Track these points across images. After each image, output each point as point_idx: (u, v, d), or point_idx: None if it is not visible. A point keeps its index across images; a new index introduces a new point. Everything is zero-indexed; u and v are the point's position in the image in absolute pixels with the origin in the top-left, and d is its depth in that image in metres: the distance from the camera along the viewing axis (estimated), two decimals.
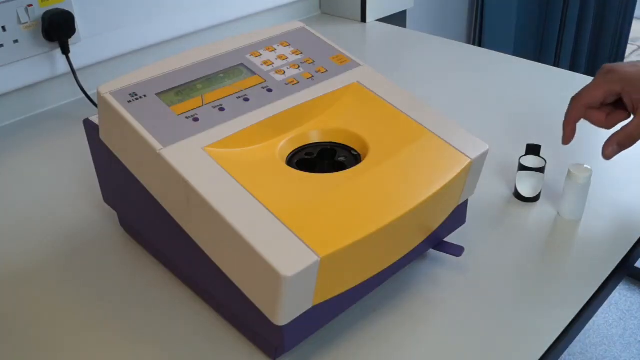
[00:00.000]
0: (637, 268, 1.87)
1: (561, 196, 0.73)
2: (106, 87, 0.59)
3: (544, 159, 0.75)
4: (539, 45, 2.04)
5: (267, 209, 0.51)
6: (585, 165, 0.71)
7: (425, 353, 0.57)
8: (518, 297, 0.63)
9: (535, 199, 0.76)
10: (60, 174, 0.85)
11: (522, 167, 0.74)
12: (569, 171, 0.70)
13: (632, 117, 0.67)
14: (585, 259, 0.68)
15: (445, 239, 0.66)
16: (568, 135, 0.70)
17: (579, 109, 0.69)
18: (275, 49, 0.68)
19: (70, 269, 0.68)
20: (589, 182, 0.70)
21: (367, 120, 0.63)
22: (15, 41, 0.94)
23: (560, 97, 0.98)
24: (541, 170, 0.74)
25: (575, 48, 2.05)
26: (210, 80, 0.62)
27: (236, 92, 0.62)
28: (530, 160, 0.75)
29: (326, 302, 0.53)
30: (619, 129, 0.68)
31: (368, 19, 1.36)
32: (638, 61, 0.68)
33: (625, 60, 2.22)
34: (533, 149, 0.76)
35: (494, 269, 0.67)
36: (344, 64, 0.68)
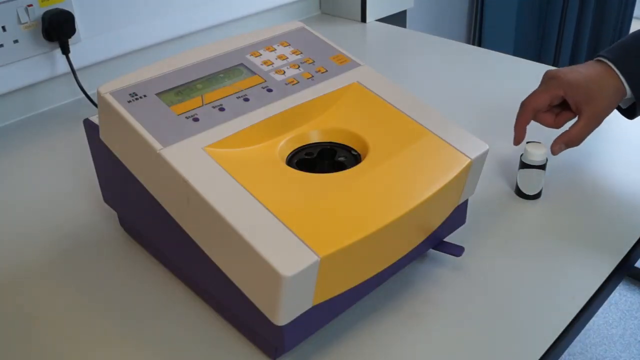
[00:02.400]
0: (637, 268, 1.87)
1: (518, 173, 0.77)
2: (106, 87, 0.59)
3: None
4: (539, 45, 2.04)
5: (267, 209, 0.51)
6: (540, 142, 0.75)
7: (425, 353, 0.57)
8: (518, 297, 0.63)
9: (536, 196, 0.76)
10: (60, 174, 0.85)
11: (523, 165, 0.75)
12: (525, 149, 0.74)
13: (576, 118, 0.74)
14: (586, 259, 0.68)
15: (445, 239, 0.66)
16: (518, 137, 0.76)
17: (528, 113, 0.75)
18: (275, 49, 0.68)
19: (70, 269, 0.68)
20: (545, 160, 0.74)
21: (367, 120, 0.63)
22: (15, 41, 0.94)
23: None
24: (542, 167, 0.74)
25: (574, 48, 2.05)
26: (210, 80, 0.62)
27: (236, 92, 0.62)
28: (532, 157, 0.75)
29: (326, 302, 0.53)
30: (566, 128, 0.74)
31: (368, 19, 1.36)
32: (577, 65, 0.75)
33: None
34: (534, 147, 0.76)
35: (494, 269, 0.67)
36: (344, 64, 0.68)
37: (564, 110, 0.75)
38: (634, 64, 0.72)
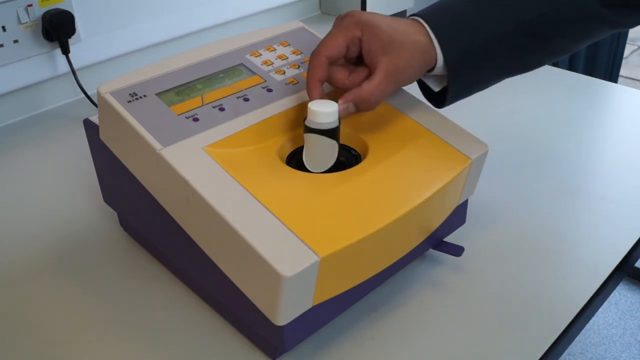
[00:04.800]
0: (637, 268, 1.87)
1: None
2: (106, 87, 0.59)
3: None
4: None
5: (267, 208, 0.51)
6: (331, 101, 0.57)
7: (425, 353, 0.57)
8: (518, 297, 0.63)
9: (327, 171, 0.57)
10: (60, 174, 0.85)
11: (307, 129, 0.56)
12: (308, 108, 0.56)
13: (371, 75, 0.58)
14: (586, 259, 0.68)
15: (445, 239, 0.66)
16: (313, 95, 0.58)
17: (321, 64, 0.57)
18: (275, 49, 0.68)
19: (70, 269, 0.68)
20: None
21: (367, 120, 0.63)
22: (15, 41, 0.94)
23: (559, 96, 0.98)
24: (331, 133, 0.55)
25: None
26: (210, 80, 0.62)
27: (236, 92, 0.62)
28: (317, 119, 0.55)
29: (326, 302, 0.53)
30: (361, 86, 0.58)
31: None
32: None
33: (623, 62, 2.21)
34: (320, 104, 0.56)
35: (494, 269, 0.67)
36: None
37: (359, 67, 0.59)
38: (447, 21, 0.59)
